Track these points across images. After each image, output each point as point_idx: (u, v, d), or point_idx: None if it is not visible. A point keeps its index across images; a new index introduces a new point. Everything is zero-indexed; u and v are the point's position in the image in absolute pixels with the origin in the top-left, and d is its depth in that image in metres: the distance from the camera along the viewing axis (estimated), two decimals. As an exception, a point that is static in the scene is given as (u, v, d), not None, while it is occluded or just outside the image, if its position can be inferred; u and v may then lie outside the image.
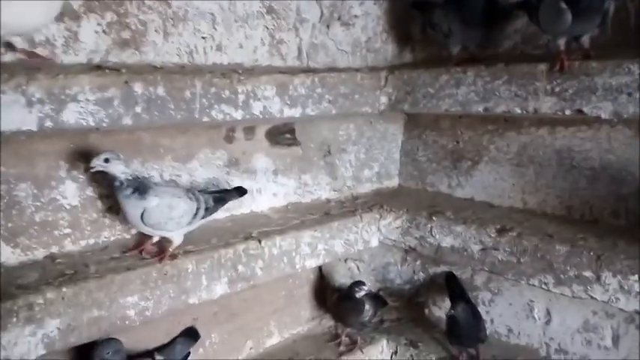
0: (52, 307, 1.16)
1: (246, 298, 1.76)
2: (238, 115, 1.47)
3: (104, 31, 1.39)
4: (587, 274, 1.42)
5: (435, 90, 1.72)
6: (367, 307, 1.74)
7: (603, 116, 1.38)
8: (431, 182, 2.08)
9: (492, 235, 1.63)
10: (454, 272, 1.90)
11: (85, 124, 1.20)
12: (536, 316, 1.78)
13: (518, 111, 1.54)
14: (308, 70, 1.70)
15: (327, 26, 1.87)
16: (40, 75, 1.13)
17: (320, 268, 1.96)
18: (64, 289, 1.18)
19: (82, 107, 1.19)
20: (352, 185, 2.05)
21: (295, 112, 1.61)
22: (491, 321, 1.88)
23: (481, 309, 1.87)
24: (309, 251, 1.67)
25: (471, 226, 1.68)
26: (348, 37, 1.93)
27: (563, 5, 1.34)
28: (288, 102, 1.58)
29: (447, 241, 1.73)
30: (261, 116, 1.53)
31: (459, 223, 1.71)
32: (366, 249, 1.90)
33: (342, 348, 1.84)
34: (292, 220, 1.72)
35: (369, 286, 1.80)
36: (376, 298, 1.92)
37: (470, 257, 1.68)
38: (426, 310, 2.03)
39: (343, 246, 1.78)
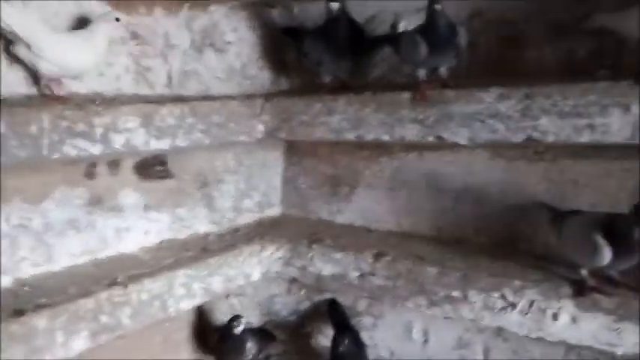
0: None
1: (115, 348, 1.61)
2: (96, 149, 1.35)
3: None
4: (455, 293, 1.48)
5: (309, 118, 1.72)
6: (249, 344, 1.67)
7: (460, 142, 1.46)
8: (312, 209, 2.08)
9: (369, 261, 1.65)
10: (336, 299, 1.90)
11: None
12: (415, 336, 1.82)
13: (387, 138, 1.59)
14: (178, 99, 1.62)
15: (199, 52, 1.81)
16: None
17: (199, 307, 1.86)
18: None
19: None
20: (232, 217, 1.98)
21: (164, 144, 1.51)
22: (375, 345, 1.90)
23: (364, 334, 1.88)
24: (184, 292, 1.56)
25: (350, 252, 1.69)
26: (222, 64, 1.89)
27: (420, 39, 1.41)
28: (155, 133, 1.49)
29: (327, 269, 1.73)
30: (123, 150, 1.42)
31: (338, 250, 1.72)
32: (248, 283, 1.84)
33: (226, 391, 1.74)
34: (165, 260, 1.60)
35: (248, 320, 1.74)
36: (261, 334, 1.86)
37: (349, 284, 1.69)
38: (312, 341, 2.01)
39: (223, 282, 1.69)
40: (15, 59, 1.36)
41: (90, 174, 1.56)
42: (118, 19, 1.50)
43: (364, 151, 1.92)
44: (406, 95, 1.53)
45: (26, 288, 1.36)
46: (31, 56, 1.33)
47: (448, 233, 1.78)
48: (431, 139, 1.51)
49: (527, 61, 1.58)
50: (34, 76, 1.40)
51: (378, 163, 1.90)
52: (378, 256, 1.64)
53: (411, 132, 1.54)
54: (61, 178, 1.48)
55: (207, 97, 1.73)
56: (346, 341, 1.67)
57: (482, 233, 1.71)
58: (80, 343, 1.31)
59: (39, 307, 1.25)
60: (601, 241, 1.22)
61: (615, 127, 1.24)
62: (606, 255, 1.22)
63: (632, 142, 1.24)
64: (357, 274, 1.67)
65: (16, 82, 1.39)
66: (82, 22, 1.49)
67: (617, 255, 1.22)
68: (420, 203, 1.82)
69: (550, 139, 1.33)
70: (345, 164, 1.98)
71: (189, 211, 1.84)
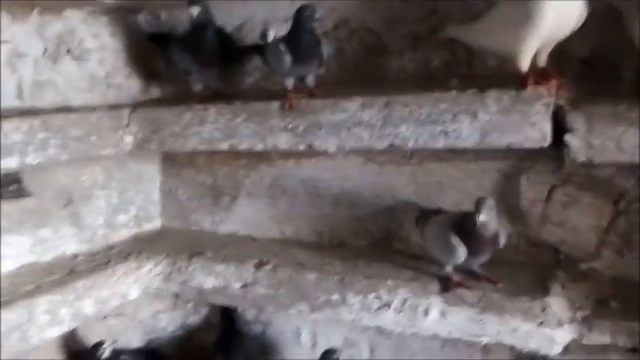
0: None
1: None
2: None
3: None
4: (335, 297, 1.50)
5: (180, 128, 1.66)
6: None
7: (330, 150, 1.49)
8: (194, 220, 2.01)
9: (251, 271, 1.62)
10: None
11: None
12: (303, 341, 1.85)
13: (260, 147, 1.57)
14: (28, 112, 1.49)
15: (54, 61, 1.68)
16: None
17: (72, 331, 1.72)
18: None
19: None
20: (105, 233, 1.86)
21: (11, 163, 1.39)
22: (266, 353, 1.89)
23: (254, 342, 1.87)
24: (48, 319, 1.44)
25: (231, 263, 1.66)
26: (82, 73, 1.76)
27: (283, 49, 1.41)
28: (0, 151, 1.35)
29: (209, 282, 1.67)
30: (-40, 172, 1.27)
31: (219, 261, 1.67)
32: (126, 302, 1.74)
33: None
34: (24, 286, 1.47)
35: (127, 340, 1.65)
36: (144, 353, 1.77)
37: (232, 295, 1.65)
38: (202, 353, 1.95)
39: (95, 305, 1.58)
40: None
41: None
42: None
43: (242, 160, 1.89)
44: (276, 105, 1.53)
45: None
46: None
47: (329, 238, 1.80)
48: (302, 147, 1.52)
49: (390, 69, 1.65)
50: None
51: (258, 171, 1.88)
52: (259, 266, 1.63)
53: (282, 141, 1.54)
54: None
55: (64, 109, 1.61)
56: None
57: (361, 236, 1.76)
58: None
59: None
60: (454, 240, 1.30)
61: (465, 132, 1.32)
62: (461, 253, 1.30)
63: (481, 146, 1.33)
64: (239, 284, 1.64)
65: None
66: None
67: (471, 251, 1.31)
68: (300, 210, 1.83)
69: (410, 145, 1.39)
70: (225, 174, 1.93)
71: (54, 232, 1.70)
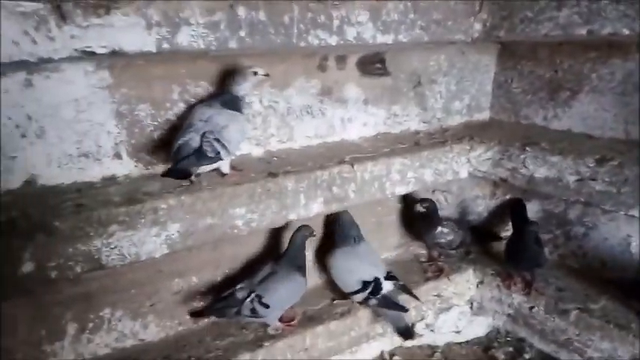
0: (173, 212, 1.30)
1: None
2: (333, 40, 1.51)
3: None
4: (696, 202, 1.36)
5: (534, 13, 1.65)
6: (446, 230, 1.81)
7: None
8: (525, 115, 2.02)
9: (590, 165, 1.58)
10: (521, 200, 1.91)
11: (196, 46, 1.29)
12: (633, 250, 1.72)
13: (626, 32, 1.45)
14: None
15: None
16: (156, -2, 1.22)
17: (405, 199, 2.00)
18: (182, 197, 1.31)
19: (193, 30, 1.28)
20: (442, 117, 2.04)
21: (388, 39, 1.62)
22: (584, 255, 1.85)
23: (572, 243, 1.85)
24: (398, 178, 1.71)
25: (568, 156, 1.64)
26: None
27: None
28: (381, 28, 1.59)
29: (540, 172, 1.70)
30: (354, 42, 1.55)
31: (554, 153, 1.67)
32: (454, 180, 1.91)
33: (429, 274, 1.89)
34: (382, 148, 1.76)
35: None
36: (462, 228, 1.94)
37: (565, 188, 1.65)
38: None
39: (432, 175, 1.80)
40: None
41: (322, 67, 1.74)
42: None
43: (591, 53, 1.78)
44: (658, -21, 1.37)
45: (275, 158, 1.63)
46: None
47: (690, 144, 1.60)
48: (688, 29, 1.34)
49: None
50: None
51: (608, 65, 1.74)
52: (601, 161, 1.56)
53: (659, 23, 1.38)
54: (300, 69, 1.69)
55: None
56: (523, 236, 1.70)
57: None
58: (316, 206, 1.55)
59: (287, 173, 1.50)
60: None
61: None
62: None
63: None
64: (574, 178, 1.62)
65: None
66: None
67: None
68: (656, 110, 1.65)
69: None
70: (568, 67, 1.86)
71: (403, 109, 1.95)
